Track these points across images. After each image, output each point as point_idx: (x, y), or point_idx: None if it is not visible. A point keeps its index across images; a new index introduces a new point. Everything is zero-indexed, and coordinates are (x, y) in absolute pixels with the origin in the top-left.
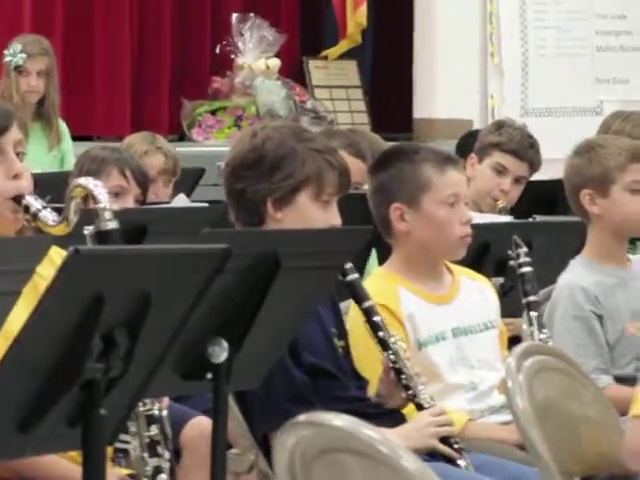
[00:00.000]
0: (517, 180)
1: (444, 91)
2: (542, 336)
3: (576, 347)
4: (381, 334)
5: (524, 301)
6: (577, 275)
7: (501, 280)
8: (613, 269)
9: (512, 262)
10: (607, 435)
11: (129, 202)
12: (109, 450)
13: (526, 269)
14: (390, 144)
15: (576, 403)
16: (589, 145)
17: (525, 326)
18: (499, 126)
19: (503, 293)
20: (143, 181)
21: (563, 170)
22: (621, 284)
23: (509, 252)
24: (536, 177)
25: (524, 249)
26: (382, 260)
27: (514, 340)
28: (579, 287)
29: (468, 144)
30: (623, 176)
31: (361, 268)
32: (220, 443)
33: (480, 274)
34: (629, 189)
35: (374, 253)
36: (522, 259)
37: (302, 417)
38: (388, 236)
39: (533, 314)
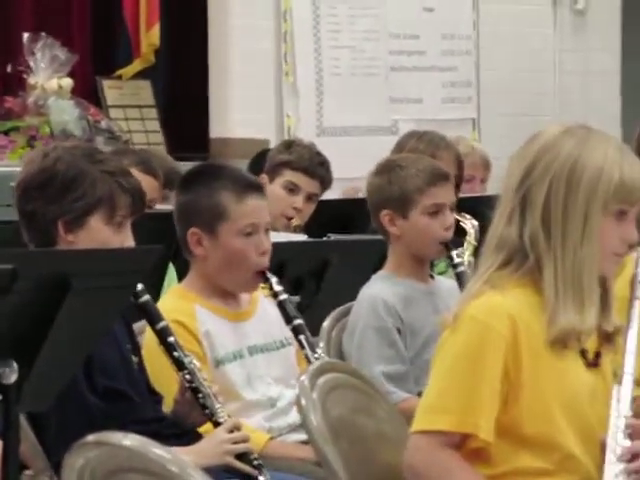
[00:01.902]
0: (309, 198)
1: (240, 110)
2: (316, 356)
3: (377, 358)
4: (176, 354)
5: (289, 327)
6: (378, 288)
7: (298, 298)
8: (415, 284)
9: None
10: (401, 451)
11: None
12: None
13: (283, 297)
14: (184, 164)
15: (370, 420)
16: (390, 165)
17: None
18: (288, 145)
19: (300, 311)
20: None
21: (365, 188)
22: (423, 298)
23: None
24: (331, 196)
25: (274, 279)
26: (182, 275)
27: None
28: (380, 299)
29: (260, 163)
30: (422, 199)
31: (158, 285)
32: (12, 464)
33: None
34: (427, 212)
35: (172, 268)
36: (276, 288)
37: (90, 437)
38: (188, 255)
39: (302, 337)
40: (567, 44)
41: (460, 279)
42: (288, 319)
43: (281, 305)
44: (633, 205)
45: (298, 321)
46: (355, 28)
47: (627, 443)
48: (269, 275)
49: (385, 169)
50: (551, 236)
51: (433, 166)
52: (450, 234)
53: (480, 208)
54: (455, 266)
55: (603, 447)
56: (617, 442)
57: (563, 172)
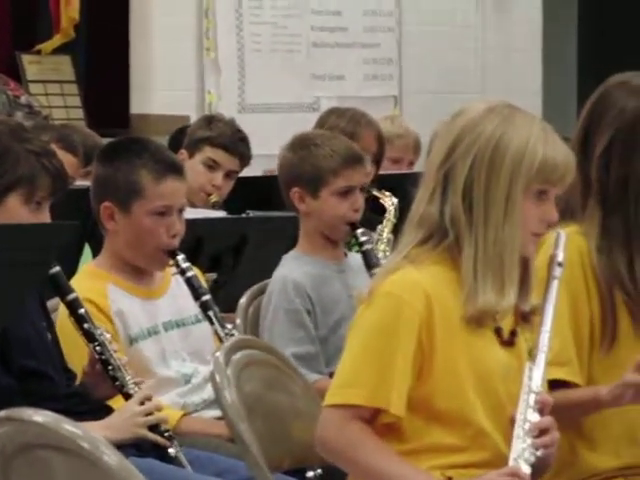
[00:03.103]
0: (228, 174)
1: (161, 87)
2: (226, 331)
3: (287, 339)
4: (86, 326)
5: (197, 303)
6: (289, 268)
7: (215, 275)
8: (326, 262)
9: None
10: (314, 427)
11: None
12: None
13: (190, 274)
14: (106, 140)
15: (284, 396)
16: (304, 142)
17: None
18: (208, 121)
19: (217, 288)
20: None
21: (278, 162)
22: (334, 277)
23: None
24: (251, 172)
25: (180, 256)
26: (97, 254)
27: None
28: (290, 280)
29: (179, 140)
30: (334, 180)
31: (74, 264)
32: None
33: (196, 269)
34: (337, 193)
35: (88, 248)
36: (183, 265)
37: (1, 413)
38: (103, 230)
39: (210, 313)
40: (489, 21)
41: (366, 257)
42: (196, 295)
43: (189, 281)
44: (554, 185)
45: (206, 297)
46: (277, 4)
47: (536, 418)
48: (177, 252)
49: (299, 146)
50: (473, 215)
51: (348, 147)
52: (358, 216)
53: (400, 185)
54: (361, 244)
55: (512, 422)
56: (526, 417)
57: (486, 151)
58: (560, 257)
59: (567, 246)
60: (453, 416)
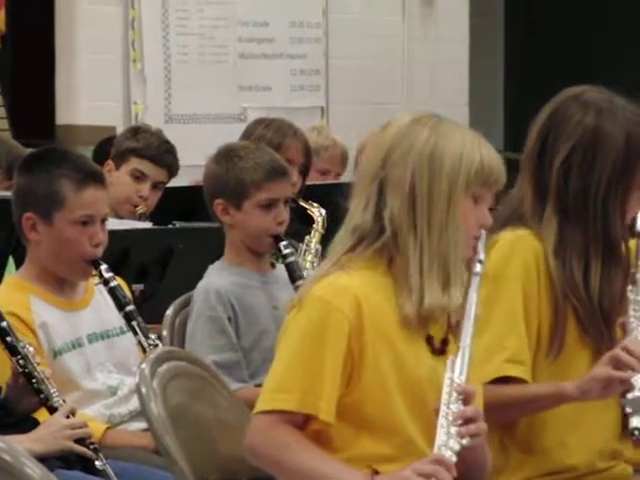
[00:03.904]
0: (155, 186)
1: (87, 97)
2: (150, 342)
3: (208, 347)
4: (8, 339)
5: (121, 314)
6: (213, 278)
7: (142, 286)
8: (251, 273)
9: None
10: (241, 438)
11: None
12: None
13: (113, 284)
14: (29, 151)
15: (211, 407)
16: (228, 154)
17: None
18: (135, 132)
19: (144, 299)
20: None
21: (203, 174)
22: (259, 288)
23: None
24: (178, 183)
25: (103, 266)
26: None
27: None
28: (213, 289)
29: (106, 150)
30: (257, 193)
31: None
32: None
33: (121, 279)
34: (260, 205)
35: (12, 261)
36: (106, 275)
37: None
38: (25, 241)
39: (134, 323)
40: (416, 33)
41: (290, 270)
42: (120, 305)
43: (112, 292)
44: (490, 188)
45: (130, 307)
46: (204, 15)
47: (460, 408)
48: (100, 263)
49: (223, 158)
50: (416, 220)
51: (271, 160)
52: (282, 228)
53: (328, 196)
54: (284, 257)
55: (437, 413)
56: (449, 407)
57: (423, 159)
58: (482, 255)
59: (523, 246)
60: (382, 424)
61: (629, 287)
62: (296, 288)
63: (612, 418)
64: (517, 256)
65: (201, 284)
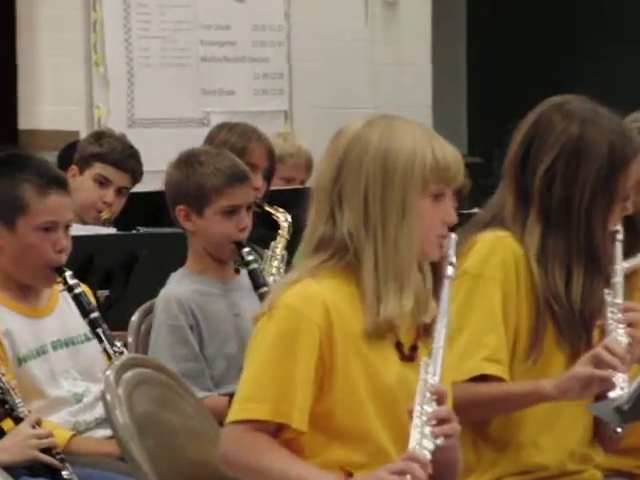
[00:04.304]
0: (119, 191)
1: (49, 102)
2: (115, 349)
3: (170, 356)
4: None
5: (85, 321)
6: (175, 286)
7: (107, 292)
8: (213, 281)
9: None
10: (207, 446)
11: None
12: None
13: (78, 290)
14: None
15: (176, 415)
16: (189, 160)
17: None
18: (98, 137)
19: (109, 305)
20: None
21: (164, 180)
22: (221, 295)
23: None
24: (141, 188)
25: (68, 272)
26: None
27: None
28: (174, 297)
29: (69, 155)
30: (218, 199)
31: None
32: None
33: (85, 286)
34: (222, 212)
35: None
36: (70, 282)
37: None
38: None
39: (99, 330)
40: (379, 36)
41: (253, 277)
42: (84, 312)
43: (76, 298)
44: (448, 184)
45: (94, 314)
46: (166, 18)
47: (433, 408)
48: (64, 269)
49: (184, 163)
50: (370, 225)
51: (232, 165)
52: (244, 235)
53: (292, 201)
54: (247, 264)
55: (410, 415)
56: (423, 408)
57: (377, 162)
58: (452, 258)
59: (503, 247)
60: (353, 432)
61: (606, 290)
62: (259, 295)
63: (585, 422)
64: (497, 256)
65: (162, 292)
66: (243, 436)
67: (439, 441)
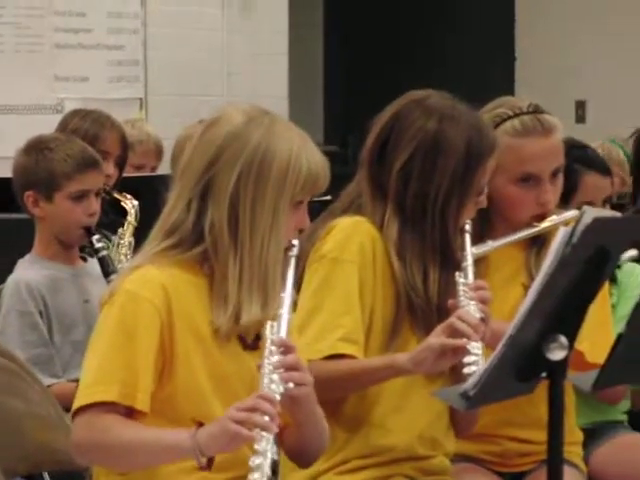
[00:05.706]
0: None
1: None
2: None
3: (20, 342)
4: None
5: None
6: (24, 272)
7: None
8: (61, 267)
9: None
10: (52, 432)
11: None
12: None
13: None
14: None
15: (19, 400)
16: (38, 146)
17: None
18: None
19: None
20: None
21: (12, 166)
22: (69, 281)
23: None
24: None
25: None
26: None
27: None
28: (23, 282)
29: None
30: (68, 184)
31: None
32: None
33: None
34: (71, 197)
35: None
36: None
37: None
38: None
39: None
40: (235, 25)
41: (102, 264)
42: None
43: None
44: (313, 194)
45: None
46: (19, 4)
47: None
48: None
49: (33, 149)
50: (238, 227)
51: (82, 151)
52: (93, 220)
53: (145, 188)
54: (96, 251)
55: (258, 369)
56: (270, 360)
57: (253, 163)
58: (295, 241)
59: (361, 231)
60: (195, 419)
61: (457, 273)
62: (109, 282)
63: (437, 407)
64: (354, 240)
65: (11, 278)
66: (92, 419)
67: (290, 385)
